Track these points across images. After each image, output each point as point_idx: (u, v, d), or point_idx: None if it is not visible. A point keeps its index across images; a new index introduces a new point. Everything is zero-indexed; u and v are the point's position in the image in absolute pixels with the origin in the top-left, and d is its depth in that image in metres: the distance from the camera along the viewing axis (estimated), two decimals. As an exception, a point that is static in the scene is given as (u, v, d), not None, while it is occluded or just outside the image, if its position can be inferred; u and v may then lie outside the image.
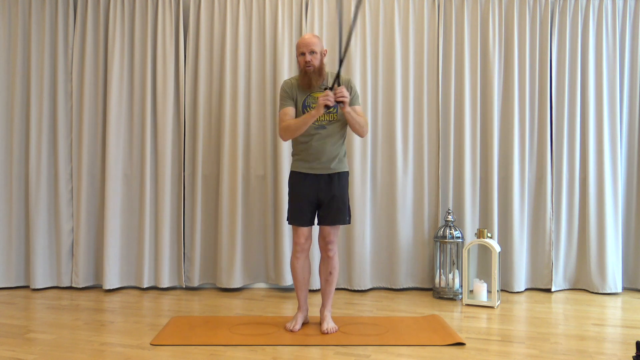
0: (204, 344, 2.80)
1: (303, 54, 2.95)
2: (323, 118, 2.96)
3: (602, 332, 3.07)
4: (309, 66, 2.94)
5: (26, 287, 4.09)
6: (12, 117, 4.04)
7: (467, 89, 4.06)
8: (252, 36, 4.06)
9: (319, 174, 2.99)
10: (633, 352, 2.70)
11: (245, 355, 2.65)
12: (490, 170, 4.06)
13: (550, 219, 4.05)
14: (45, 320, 3.25)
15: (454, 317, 3.38)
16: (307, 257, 3.09)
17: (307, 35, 2.99)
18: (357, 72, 4.03)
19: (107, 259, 3.96)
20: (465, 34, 4.06)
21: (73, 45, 4.06)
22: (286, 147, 3.96)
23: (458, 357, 2.63)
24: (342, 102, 2.84)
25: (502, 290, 4.05)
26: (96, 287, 4.12)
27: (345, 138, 3.08)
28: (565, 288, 4.12)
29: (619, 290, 4.00)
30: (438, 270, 3.90)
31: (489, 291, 3.85)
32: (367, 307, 3.61)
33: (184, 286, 4.11)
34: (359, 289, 4.02)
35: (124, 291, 4.02)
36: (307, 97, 2.98)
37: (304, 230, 3.01)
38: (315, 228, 3.15)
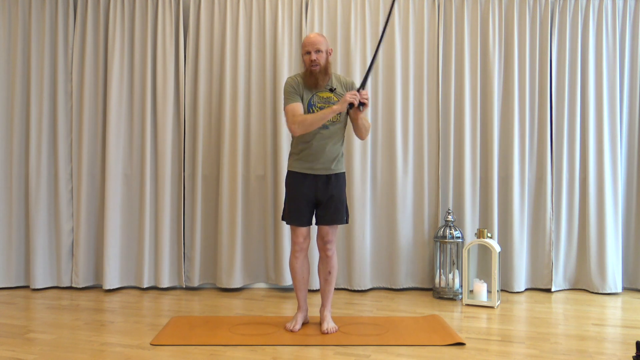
0: (204, 344, 2.80)
1: (309, 52, 2.94)
2: None
3: (602, 332, 3.07)
4: (315, 65, 2.93)
5: (26, 287, 4.10)
6: (12, 117, 4.04)
7: (467, 89, 4.06)
8: (252, 36, 4.06)
9: (317, 174, 2.99)
10: (633, 352, 2.70)
11: (245, 355, 2.65)
12: (490, 170, 4.06)
13: (550, 219, 4.05)
14: (45, 320, 3.25)
15: (454, 317, 3.38)
16: (306, 257, 3.09)
17: (312, 34, 2.98)
18: (357, 72, 4.02)
19: (107, 259, 3.96)
20: (465, 34, 4.06)
21: (73, 45, 4.06)
22: (286, 147, 3.96)
23: (458, 357, 2.63)
24: (364, 104, 2.86)
25: (502, 290, 4.05)
26: (96, 287, 4.12)
27: (344, 139, 3.09)
28: (565, 288, 4.12)
29: (619, 290, 4.00)
30: (438, 270, 3.90)
31: (489, 291, 3.85)
32: (367, 307, 3.61)
33: (184, 286, 4.11)
34: (359, 289, 4.02)
35: (124, 291, 4.02)
36: (312, 96, 2.97)
37: (302, 230, 3.02)
38: (313, 228, 3.15)
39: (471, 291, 3.87)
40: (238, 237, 3.99)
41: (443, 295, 3.86)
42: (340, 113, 2.97)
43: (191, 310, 3.53)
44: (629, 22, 4.10)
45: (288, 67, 4.03)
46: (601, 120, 4.04)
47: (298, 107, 2.93)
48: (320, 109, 2.96)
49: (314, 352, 2.70)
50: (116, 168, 4.01)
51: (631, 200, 4.14)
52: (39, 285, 3.98)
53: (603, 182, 4.02)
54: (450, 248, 3.88)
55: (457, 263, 3.88)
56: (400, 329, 3.08)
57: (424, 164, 4.07)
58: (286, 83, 3.00)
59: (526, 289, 4.10)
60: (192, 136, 4.09)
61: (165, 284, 4.02)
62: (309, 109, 2.97)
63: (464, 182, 4.03)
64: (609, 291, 3.98)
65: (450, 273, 3.86)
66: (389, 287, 4.09)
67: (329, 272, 3.07)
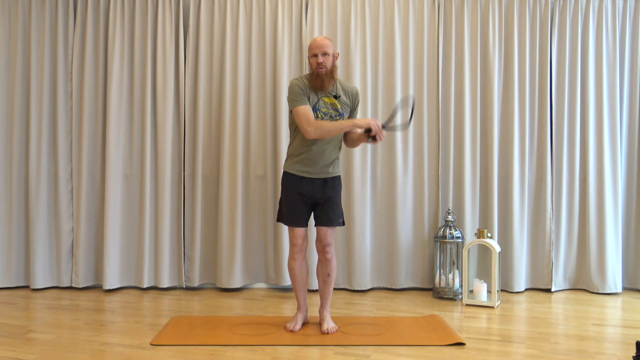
0: (204, 344, 2.80)
1: (315, 55, 2.93)
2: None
3: (602, 332, 3.07)
4: (321, 68, 2.92)
5: (26, 287, 4.10)
6: (12, 117, 4.04)
7: (467, 89, 4.06)
8: (252, 36, 4.06)
9: (314, 177, 3.00)
10: (633, 352, 2.70)
11: (245, 355, 2.65)
12: (490, 170, 4.06)
13: (550, 219, 4.05)
14: (45, 320, 3.25)
15: (454, 317, 3.38)
16: (305, 258, 3.08)
17: (319, 37, 2.97)
18: (357, 71, 4.03)
19: (107, 259, 3.96)
20: (465, 34, 4.06)
21: (73, 45, 4.06)
22: (286, 147, 3.96)
23: (458, 357, 2.63)
24: (375, 140, 2.87)
25: (502, 290, 4.05)
26: (96, 287, 4.12)
27: (341, 144, 3.10)
28: (565, 288, 4.12)
29: (619, 290, 4.00)
30: (438, 270, 3.90)
31: (489, 291, 3.85)
32: (367, 307, 3.61)
33: (184, 286, 4.11)
34: (359, 289, 4.03)
35: (124, 291, 4.02)
36: (318, 100, 2.96)
37: (300, 230, 3.02)
38: (312, 230, 3.16)
39: (471, 291, 3.87)
40: (238, 237, 3.99)
41: (443, 295, 3.86)
42: (342, 119, 2.99)
43: (191, 310, 3.53)
44: (629, 22, 4.10)
45: (288, 67, 4.03)
46: (601, 120, 4.04)
47: (310, 109, 2.92)
48: (325, 114, 2.96)
49: (314, 352, 2.70)
50: (116, 168, 4.01)
51: (631, 200, 4.14)
52: (39, 285, 3.99)
53: (603, 182, 4.02)
54: (450, 248, 3.88)
55: (457, 263, 3.88)
56: (400, 329, 3.08)
57: (424, 164, 4.07)
58: (292, 84, 2.96)
59: (526, 289, 4.10)
60: (192, 136, 4.09)
61: (165, 284, 4.02)
62: (313, 112, 2.97)
63: (464, 182, 4.03)
64: (609, 291, 3.98)
65: (450, 273, 3.86)
66: (389, 287, 4.09)
67: (328, 275, 3.07)
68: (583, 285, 4.09)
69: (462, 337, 2.91)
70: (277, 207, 4.00)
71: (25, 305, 3.62)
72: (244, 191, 4.05)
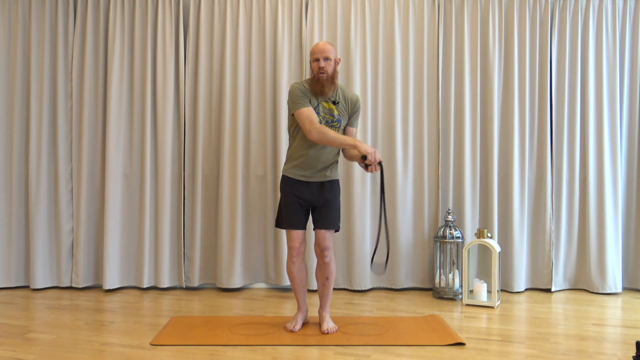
0: (204, 344, 2.80)
1: (317, 60, 2.92)
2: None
3: (602, 332, 3.07)
4: (323, 72, 2.92)
5: (26, 287, 4.10)
6: (12, 117, 4.04)
7: (467, 89, 4.06)
8: (252, 36, 4.06)
9: (312, 181, 3.00)
10: (633, 352, 2.70)
11: (245, 355, 2.65)
12: (490, 170, 4.06)
13: (550, 219, 4.05)
14: (45, 320, 3.25)
15: (454, 317, 3.38)
16: (303, 261, 3.08)
17: (322, 42, 2.97)
18: (357, 71, 4.03)
19: (107, 259, 3.96)
20: (465, 34, 4.06)
21: (73, 45, 4.06)
22: (286, 147, 3.96)
23: (458, 357, 2.63)
24: (368, 170, 2.86)
25: (502, 290, 4.05)
26: (96, 287, 4.12)
27: (339, 149, 3.08)
28: (565, 288, 4.12)
29: (619, 290, 4.00)
30: (438, 270, 3.90)
31: (489, 291, 3.85)
32: (367, 307, 3.61)
33: (184, 286, 4.11)
34: (359, 289, 4.03)
35: (124, 291, 4.02)
36: (318, 104, 2.96)
37: (298, 233, 3.01)
38: (310, 233, 3.15)
39: (471, 291, 3.87)
40: (238, 237, 3.99)
41: (443, 295, 3.86)
42: (339, 125, 3.00)
43: (191, 310, 3.53)
44: (629, 22, 4.10)
45: (288, 68, 4.03)
46: (601, 121, 4.04)
47: (313, 112, 2.91)
48: (322, 118, 2.96)
49: (314, 352, 2.70)
50: (116, 168, 4.01)
51: (631, 200, 4.14)
52: (39, 285, 3.99)
53: (603, 182, 4.02)
54: (450, 248, 3.88)
55: (457, 263, 3.88)
56: (400, 329, 3.08)
57: (424, 164, 4.07)
58: (294, 88, 2.95)
59: (526, 289, 4.10)
60: (192, 136, 4.09)
61: (165, 284, 4.02)
62: None
63: (464, 182, 4.03)
64: (609, 291, 3.98)
65: (450, 273, 3.86)
66: (389, 287, 4.09)
67: (327, 278, 3.06)
68: (583, 285, 4.09)
69: (462, 337, 2.91)
70: (277, 207, 4.02)
71: (25, 305, 3.62)
72: (244, 191, 4.05)
